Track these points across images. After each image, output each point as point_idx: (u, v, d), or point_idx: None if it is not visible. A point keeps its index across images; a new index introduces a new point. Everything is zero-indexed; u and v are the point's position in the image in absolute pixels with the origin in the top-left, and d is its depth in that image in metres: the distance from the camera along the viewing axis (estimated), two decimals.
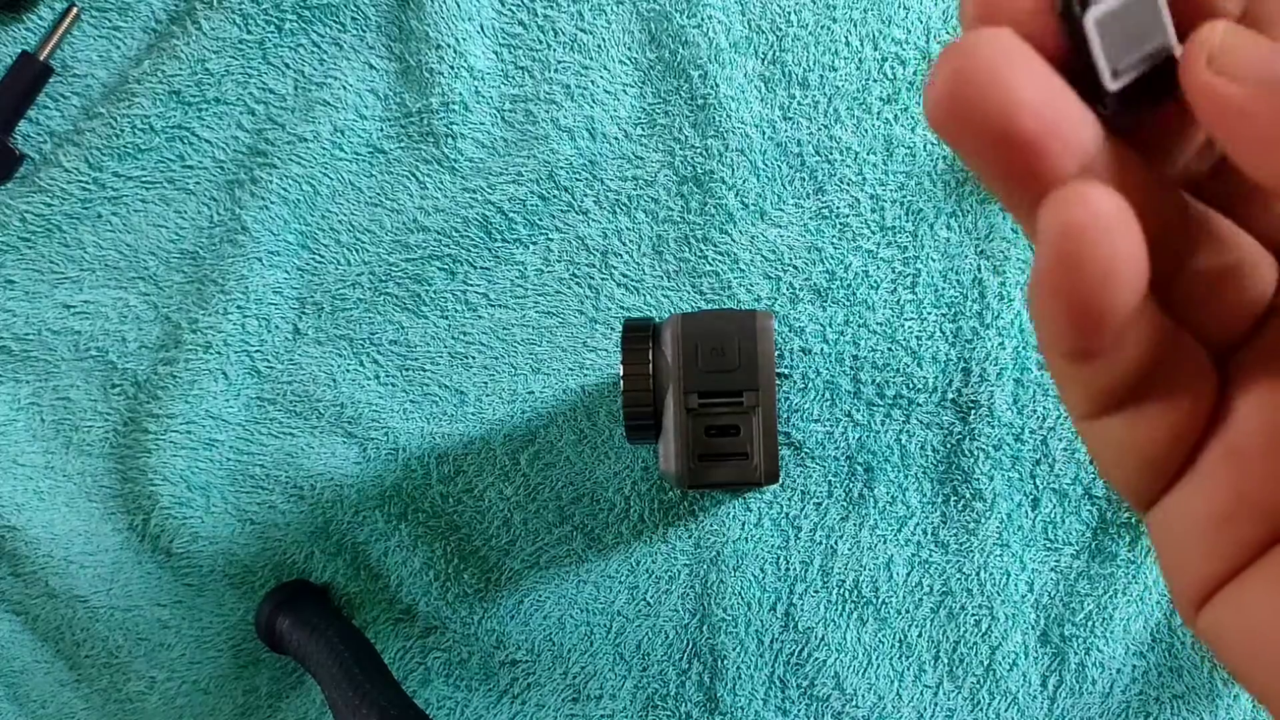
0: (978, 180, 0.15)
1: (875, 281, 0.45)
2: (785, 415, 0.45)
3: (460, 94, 0.45)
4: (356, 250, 0.46)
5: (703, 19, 0.45)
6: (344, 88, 0.45)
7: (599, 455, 0.45)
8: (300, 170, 0.45)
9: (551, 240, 0.45)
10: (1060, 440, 0.44)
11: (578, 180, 0.45)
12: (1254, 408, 0.14)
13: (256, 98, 0.45)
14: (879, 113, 0.45)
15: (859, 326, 0.45)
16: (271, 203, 0.45)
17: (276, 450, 0.46)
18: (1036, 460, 0.44)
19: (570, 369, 0.45)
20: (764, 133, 0.45)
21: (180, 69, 0.45)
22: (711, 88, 0.45)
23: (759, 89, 0.45)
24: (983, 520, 0.44)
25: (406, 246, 0.46)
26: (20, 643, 0.46)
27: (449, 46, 0.45)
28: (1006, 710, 0.44)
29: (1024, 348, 0.44)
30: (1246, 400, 0.14)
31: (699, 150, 0.45)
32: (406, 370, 0.46)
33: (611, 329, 0.45)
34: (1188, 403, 0.15)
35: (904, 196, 0.45)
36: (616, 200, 0.45)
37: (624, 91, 0.45)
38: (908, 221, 0.45)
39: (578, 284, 0.45)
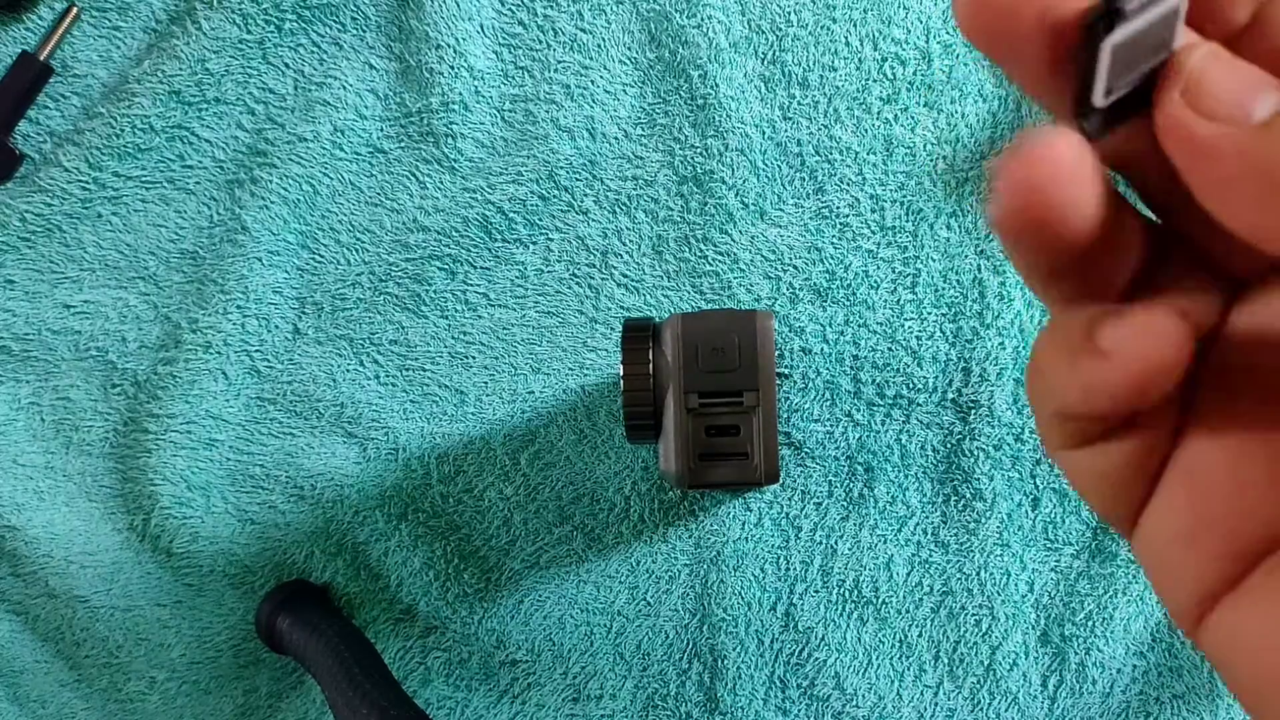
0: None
1: (875, 281, 0.45)
2: (785, 415, 0.45)
3: (460, 94, 0.45)
4: (356, 250, 0.46)
5: (702, 19, 0.45)
6: (344, 87, 0.45)
7: (599, 455, 0.45)
8: (300, 170, 0.45)
9: (551, 240, 0.45)
10: None
11: (578, 180, 0.45)
12: (1205, 431, 0.14)
13: (256, 97, 0.45)
14: (879, 113, 0.45)
15: (859, 326, 0.45)
16: (271, 202, 0.45)
17: (276, 450, 0.46)
18: (1037, 460, 0.44)
19: (570, 369, 0.45)
20: (764, 133, 0.45)
21: (180, 69, 0.45)
22: (711, 88, 0.45)
23: (759, 89, 0.45)
24: (983, 520, 0.44)
25: (406, 246, 0.46)
26: (20, 643, 0.46)
27: (449, 46, 0.45)
28: (1007, 710, 0.44)
29: (1024, 348, 0.44)
30: (1199, 423, 0.14)
31: (699, 150, 0.45)
32: (406, 370, 0.46)
33: (611, 329, 0.45)
34: (1148, 429, 0.15)
35: (904, 196, 0.45)
36: (616, 200, 0.45)
37: (624, 91, 0.45)
38: (908, 221, 0.45)
39: (578, 284, 0.45)
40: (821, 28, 0.45)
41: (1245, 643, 0.14)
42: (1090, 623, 0.44)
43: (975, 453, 0.44)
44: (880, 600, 0.45)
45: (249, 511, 0.46)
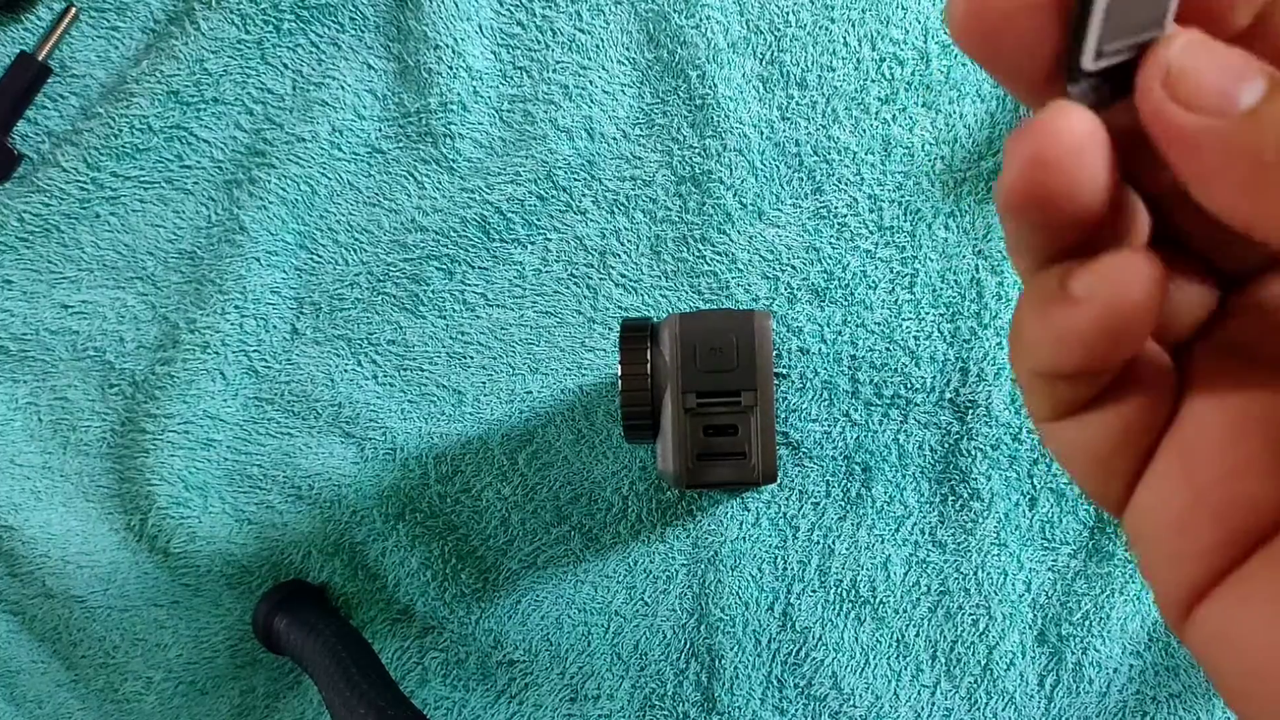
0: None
1: (873, 281, 0.45)
2: (783, 415, 0.45)
3: (458, 94, 0.45)
4: (354, 250, 0.46)
5: (701, 19, 0.45)
6: (342, 88, 0.45)
7: (597, 455, 0.45)
8: (298, 170, 0.45)
9: (550, 240, 0.45)
10: None
11: (576, 180, 0.45)
12: (1205, 405, 0.14)
13: (255, 98, 0.45)
14: (877, 113, 0.45)
15: (857, 326, 0.45)
16: (270, 203, 0.45)
17: (274, 450, 0.46)
18: (1034, 460, 0.44)
19: (568, 369, 0.45)
20: (762, 133, 0.45)
21: (178, 69, 0.45)
22: (710, 88, 0.45)
23: (757, 89, 0.45)
24: (980, 520, 0.44)
25: (404, 246, 0.46)
26: (17, 643, 0.46)
27: (447, 47, 0.45)
28: (1004, 710, 0.44)
29: None
30: (1197, 397, 0.14)
31: (697, 150, 0.45)
32: (404, 370, 0.46)
33: (609, 329, 0.45)
34: (1133, 398, 0.14)
35: (902, 196, 0.45)
36: (615, 200, 0.45)
37: (622, 92, 0.45)
38: (906, 221, 0.45)
39: (576, 284, 0.45)
40: (820, 28, 0.45)
41: (1236, 634, 0.13)
42: (1087, 622, 0.44)
43: (973, 452, 0.44)
44: (878, 600, 0.45)
45: (246, 511, 0.46)
